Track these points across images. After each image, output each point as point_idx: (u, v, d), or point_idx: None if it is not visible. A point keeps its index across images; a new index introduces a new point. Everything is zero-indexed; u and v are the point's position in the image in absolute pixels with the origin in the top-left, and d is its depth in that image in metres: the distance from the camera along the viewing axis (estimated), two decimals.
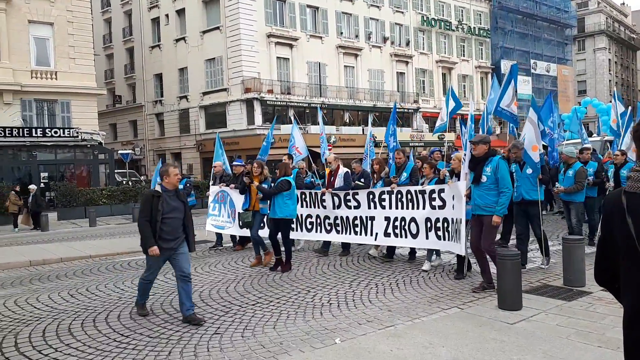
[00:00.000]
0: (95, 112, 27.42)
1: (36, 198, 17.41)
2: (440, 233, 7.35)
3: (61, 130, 25.31)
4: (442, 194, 7.31)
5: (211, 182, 10.86)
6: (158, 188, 5.41)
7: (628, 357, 2.08)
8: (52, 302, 6.54)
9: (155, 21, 37.69)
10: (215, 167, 10.92)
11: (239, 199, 9.61)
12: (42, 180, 24.60)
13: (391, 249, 8.63)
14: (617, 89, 63.64)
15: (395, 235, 8.07)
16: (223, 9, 32.31)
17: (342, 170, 9.00)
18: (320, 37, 35.15)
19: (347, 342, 4.73)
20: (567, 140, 16.60)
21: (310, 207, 9.25)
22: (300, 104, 33.33)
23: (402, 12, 40.43)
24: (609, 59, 64.71)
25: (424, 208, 7.58)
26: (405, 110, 39.52)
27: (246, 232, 9.77)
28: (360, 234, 8.60)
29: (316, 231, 9.23)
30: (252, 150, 25.33)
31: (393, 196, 8.09)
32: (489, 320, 5.23)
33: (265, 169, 8.30)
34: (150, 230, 5.28)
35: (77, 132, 25.69)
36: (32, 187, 18.11)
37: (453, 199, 7.03)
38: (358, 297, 6.34)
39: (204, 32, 33.66)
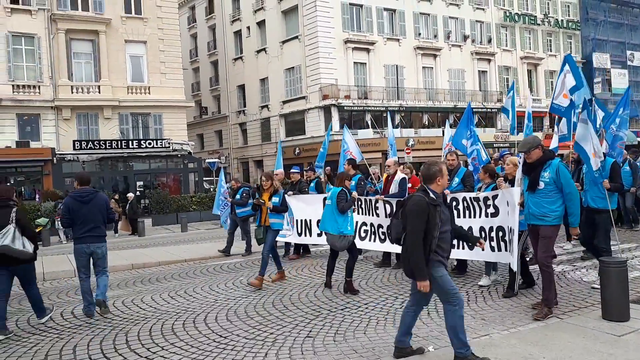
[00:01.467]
0: (185, 124, 29.08)
1: (132, 205, 18.73)
2: (494, 244, 6.76)
3: (154, 141, 27.09)
4: (495, 201, 6.75)
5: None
6: (428, 194, 4.28)
7: None
8: (155, 303, 7.02)
9: (237, 34, 39.30)
10: (276, 174, 10.77)
11: (297, 206, 9.77)
12: (137, 189, 26.45)
13: (462, 263, 7.99)
14: None
15: (452, 246, 7.51)
16: (301, 18, 33.05)
17: (399, 175, 8.45)
18: (398, 40, 34.87)
19: (441, 350, 4.65)
20: None
21: (365, 214, 8.79)
22: (378, 108, 33.21)
23: (483, 9, 39.12)
24: None
25: (479, 217, 7.00)
26: (489, 110, 38.14)
27: (307, 240, 9.84)
28: None
29: (370, 240, 8.77)
30: (329, 156, 25.50)
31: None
32: (593, 331, 4.92)
33: (275, 181, 7.89)
34: (424, 255, 4.17)
35: (169, 143, 27.36)
36: (130, 195, 19.53)
37: (507, 205, 6.42)
38: None
39: (284, 42, 34.60)
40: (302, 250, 10.35)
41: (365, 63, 33.70)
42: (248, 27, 37.91)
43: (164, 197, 22.84)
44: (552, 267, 5.58)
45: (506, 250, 6.53)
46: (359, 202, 8.83)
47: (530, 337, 4.86)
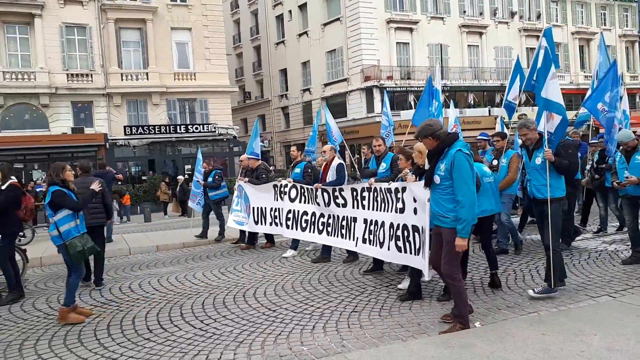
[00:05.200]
0: (229, 109, 29.63)
1: (182, 188, 19.34)
2: (400, 243, 5.82)
3: (201, 126, 27.78)
4: (404, 194, 5.78)
5: (239, 177, 10.27)
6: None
7: None
8: (207, 278, 7.31)
9: (279, 18, 39.42)
10: (241, 160, 10.43)
11: (253, 194, 9.33)
12: (186, 172, 27.23)
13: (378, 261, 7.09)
14: None
15: (370, 241, 6.59)
16: (343, 0, 32.73)
17: (336, 162, 7.89)
18: (442, 18, 34.03)
19: (489, 326, 4.66)
20: None
21: (307, 202, 8.12)
22: (421, 88, 32.53)
23: None
24: None
25: (390, 211, 6.09)
26: None
27: (262, 229, 9.25)
28: (345, 237, 7.26)
29: (310, 231, 8.05)
30: (370, 139, 25.60)
31: (371, 194, 6.63)
32: None
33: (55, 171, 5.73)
34: None
35: (215, 128, 27.97)
36: (180, 178, 20.18)
37: (414, 201, 5.52)
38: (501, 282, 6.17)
39: (325, 24, 34.45)
40: (254, 241, 9.81)
41: (408, 43, 33.13)
42: (290, 11, 37.93)
43: None
44: (459, 279, 4.67)
45: (412, 252, 5.58)
46: (302, 190, 8.25)
47: (580, 315, 4.78)
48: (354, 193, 7.06)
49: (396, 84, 31.97)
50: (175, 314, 5.69)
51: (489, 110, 32.59)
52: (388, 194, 6.14)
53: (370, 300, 5.71)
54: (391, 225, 6.02)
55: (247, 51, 43.83)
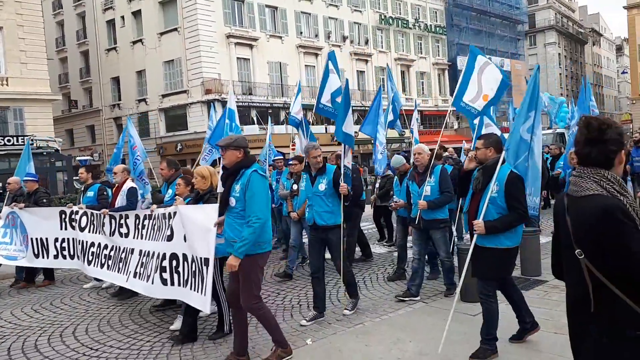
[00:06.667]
0: (51, 119, 26.68)
1: None
2: (166, 275, 5.19)
3: (14, 138, 24.50)
4: (173, 220, 5.24)
5: (5, 203, 8.51)
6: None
7: (571, 342, 2.32)
8: (15, 318, 6.39)
9: (111, 23, 36.83)
10: (9, 183, 8.65)
11: (31, 222, 7.88)
12: None
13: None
14: (567, 82, 66.26)
15: (140, 275, 5.75)
16: (180, 10, 31.90)
17: (128, 185, 7.14)
18: (280, 37, 35.17)
19: (318, 342, 4.85)
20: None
21: (96, 232, 7.03)
22: (262, 104, 33.25)
23: (361, 11, 40.91)
24: (559, 53, 67.19)
25: (160, 239, 5.49)
26: (366, 107, 40.04)
27: (43, 262, 7.79)
28: (120, 272, 6.26)
29: (94, 264, 6.91)
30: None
31: (151, 222, 5.86)
32: (453, 313, 5.45)
33: None
34: None
35: (32, 140, 24.83)
36: None
37: (184, 227, 5.06)
38: (327, 297, 6.46)
39: (162, 33, 33.14)
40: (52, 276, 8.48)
41: (249, 59, 33.55)
42: (122, 17, 35.69)
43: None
44: (261, 306, 4.42)
45: (183, 284, 4.98)
46: (92, 218, 7.15)
47: (399, 323, 5.26)
48: (137, 221, 6.22)
49: (238, 99, 31.96)
50: None
51: (326, 129, 34.40)
52: (163, 221, 5.49)
53: (205, 328, 5.56)
54: (158, 255, 5.36)
55: (73, 56, 40.04)
